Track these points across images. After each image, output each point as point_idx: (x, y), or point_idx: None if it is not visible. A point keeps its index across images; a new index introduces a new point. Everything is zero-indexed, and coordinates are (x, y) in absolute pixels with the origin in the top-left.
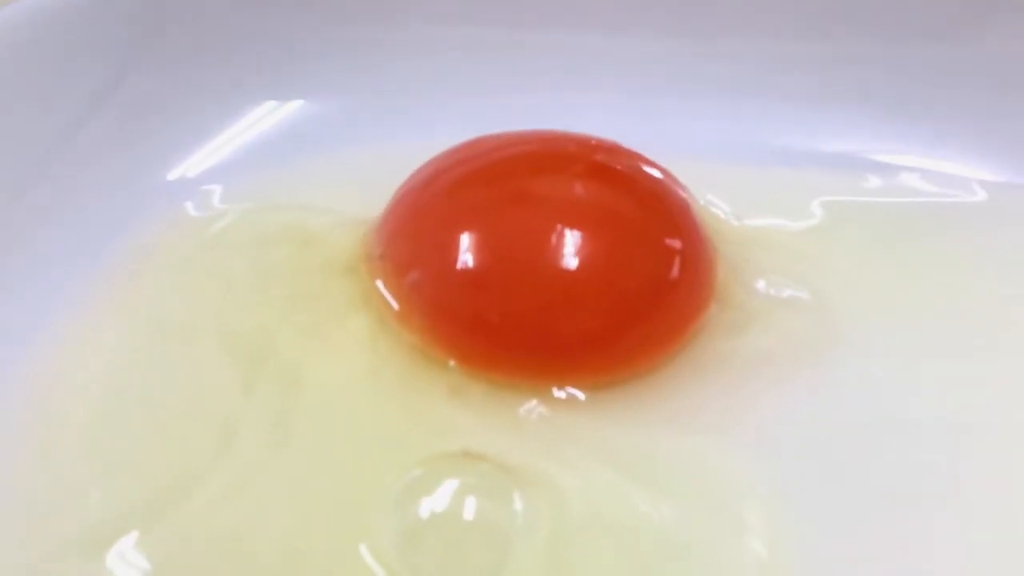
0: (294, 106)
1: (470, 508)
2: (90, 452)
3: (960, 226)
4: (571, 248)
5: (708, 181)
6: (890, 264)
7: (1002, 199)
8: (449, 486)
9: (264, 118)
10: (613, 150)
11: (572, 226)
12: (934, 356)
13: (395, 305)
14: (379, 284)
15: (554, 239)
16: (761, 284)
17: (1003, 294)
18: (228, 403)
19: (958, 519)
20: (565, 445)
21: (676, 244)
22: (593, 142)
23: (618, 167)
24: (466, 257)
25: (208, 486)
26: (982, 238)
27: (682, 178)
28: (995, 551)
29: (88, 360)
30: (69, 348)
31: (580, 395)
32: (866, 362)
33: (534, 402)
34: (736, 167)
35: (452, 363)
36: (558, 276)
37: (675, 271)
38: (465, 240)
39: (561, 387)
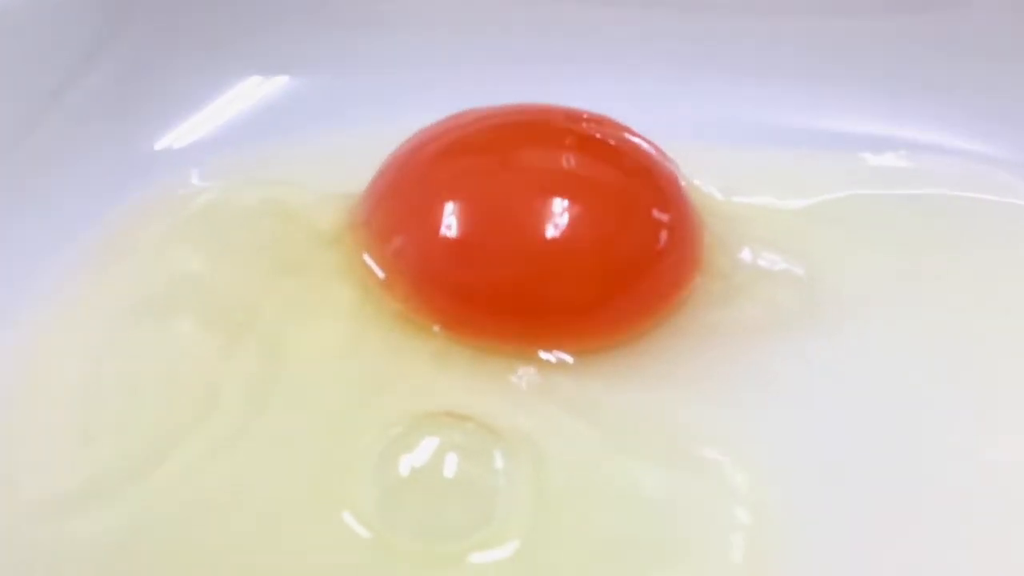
0: (279, 82)
1: (452, 466)
2: (68, 418)
3: (961, 207)
4: (556, 214)
5: (699, 159)
6: (883, 242)
7: (1007, 181)
8: (431, 444)
9: (248, 94)
10: (599, 121)
11: (557, 193)
12: (921, 331)
13: (380, 273)
14: (364, 254)
15: (539, 205)
16: (748, 256)
17: (1000, 278)
18: (208, 370)
19: (940, 484)
20: (550, 407)
21: (660, 212)
22: (580, 114)
23: (604, 137)
24: (452, 221)
25: (186, 450)
26: (985, 220)
27: (673, 156)
28: (973, 512)
29: (69, 332)
30: (49, 320)
31: (567, 359)
32: (852, 332)
33: (519, 365)
34: (728, 147)
35: (436, 328)
36: (543, 242)
37: (658, 239)
38: (452, 205)
39: (548, 351)
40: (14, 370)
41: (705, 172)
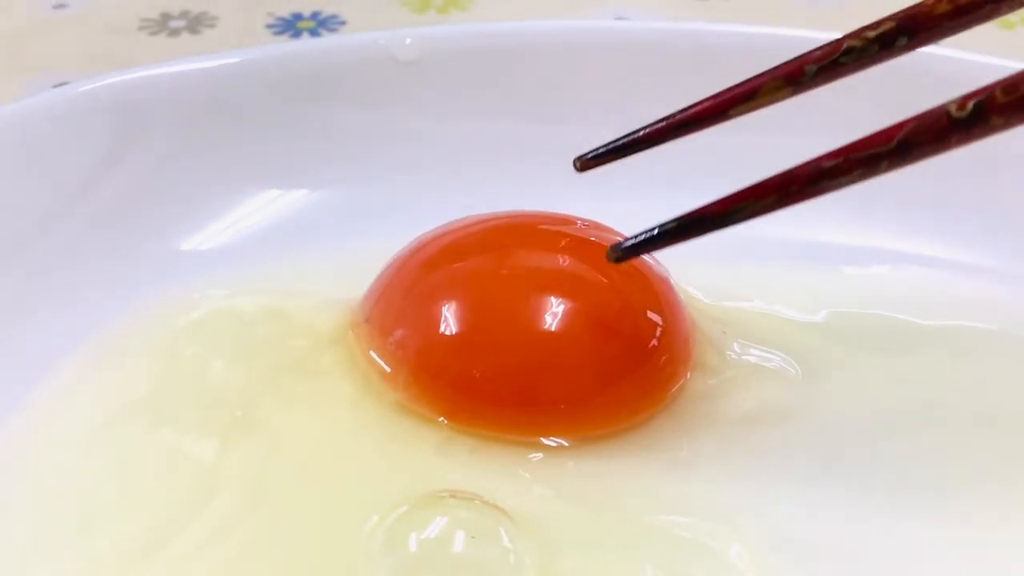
0: (292, 196)
1: (459, 543)
2: (66, 506)
3: (940, 312)
4: (553, 311)
5: (687, 270)
6: (869, 345)
7: (985, 288)
8: (438, 522)
9: (257, 207)
10: (592, 225)
11: (554, 289)
12: (907, 428)
13: (382, 367)
14: (365, 351)
15: (537, 302)
16: (738, 354)
17: (986, 379)
18: (206, 462)
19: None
20: (553, 491)
21: (653, 307)
22: (574, 219)
23: (597, 239)
24: (456, 316)
25: (181, 541)
26: (964, 323)
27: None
28: None
29: (71, 425)
30: (53, 414)
31: (566, 444)
32: (841, 423)
33: (522, 451)
34: (715, 260)
35: (442, 419)
36: (541, 337)
37: (651, 332)
38: (455, 300)
39: (548, 438)
40: (17, 458)
41: (694, 280)
